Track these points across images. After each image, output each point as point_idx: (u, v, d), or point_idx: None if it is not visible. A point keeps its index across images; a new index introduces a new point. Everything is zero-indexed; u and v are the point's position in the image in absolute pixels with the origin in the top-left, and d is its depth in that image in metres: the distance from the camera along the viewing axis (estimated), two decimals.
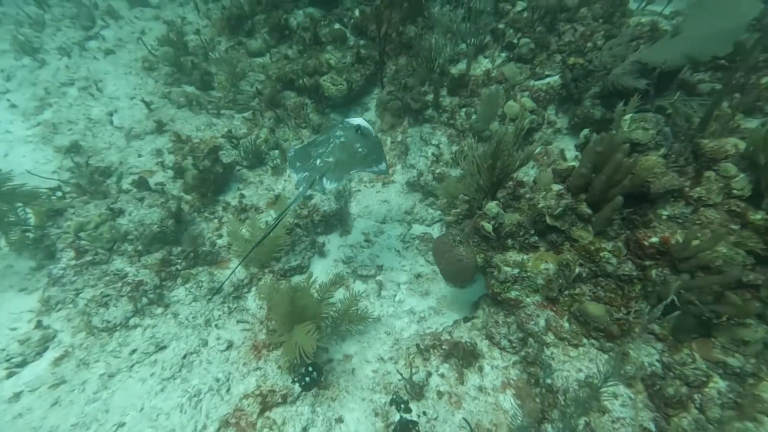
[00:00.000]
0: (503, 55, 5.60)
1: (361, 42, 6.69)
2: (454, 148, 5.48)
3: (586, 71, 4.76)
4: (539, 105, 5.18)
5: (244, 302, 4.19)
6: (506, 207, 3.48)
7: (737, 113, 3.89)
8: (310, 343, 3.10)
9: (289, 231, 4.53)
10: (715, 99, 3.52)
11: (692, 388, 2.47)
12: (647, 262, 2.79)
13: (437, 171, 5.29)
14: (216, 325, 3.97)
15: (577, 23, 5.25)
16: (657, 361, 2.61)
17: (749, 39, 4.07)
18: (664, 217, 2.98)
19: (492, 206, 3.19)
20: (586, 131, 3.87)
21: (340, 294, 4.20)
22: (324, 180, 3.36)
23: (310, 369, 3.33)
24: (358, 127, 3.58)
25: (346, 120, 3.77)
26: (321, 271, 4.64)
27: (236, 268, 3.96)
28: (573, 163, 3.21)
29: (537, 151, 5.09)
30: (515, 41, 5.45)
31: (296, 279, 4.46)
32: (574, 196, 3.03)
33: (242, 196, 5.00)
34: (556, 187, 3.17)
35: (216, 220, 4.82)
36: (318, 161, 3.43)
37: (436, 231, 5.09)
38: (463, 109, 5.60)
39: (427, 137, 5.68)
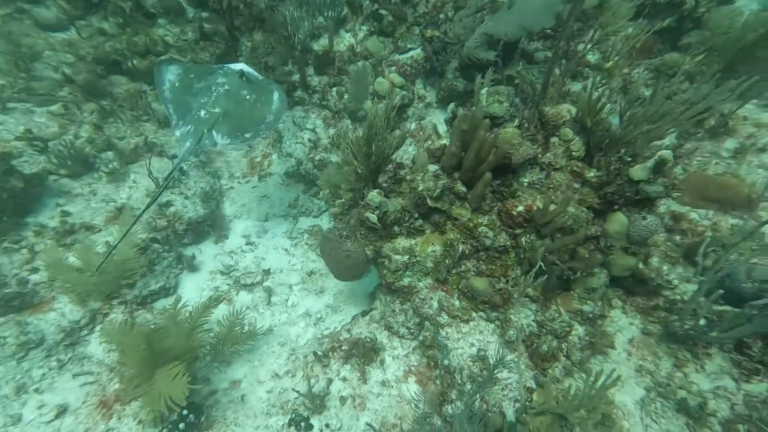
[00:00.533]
0: (364, 28, 5.30)
1: (204, 14, 5.61)
2: (331, 131, 5.09)
3: (443, 44, 4.79)
4: (407, 79, 5.09)
5: (84, 348, 3.21)
6: (389, 192, 3.29)
7: (566, 78, 4.38)
8: (179, 390, 2.48)
9: (143, 249, 3.62)
10: (549, 66, 3.84)
11: (560, 339, 2.73)
12: (517, 231, 2.93)
13: (317, 158, 4.85)
14: (37, 389, 2.96)
15: None
16: (533, 321, 2.81)
17: (565, 10, 4.57)
18: (525, 184, 3.15)
19: (374, 196, 2.95)
20: (452, 106, 3.88)
21: (221, 311, 3.59)
22: (214, 133, 2.96)
23: (185, 413, 2.73)
24: (242, 73, 3.23)
25: (226, 65, 3.31)
26: (194, 288, 3.88)
27: None
28: (445, 141, 3.17)
29: (412, 128, 5.06)
30: (380, 11, 5.19)
31: (161, 304, 3.63)
32: (449, 176, 2.97)
33: (65, 213, 3.77)
34: (432, 168, 3.07)
35: (25, 251, 3.54)
36: (202, 112, 2.99)
37: (324, 221, 4.72)
38: (334, 89, 5.20)
39: (300, 122, 5.14)
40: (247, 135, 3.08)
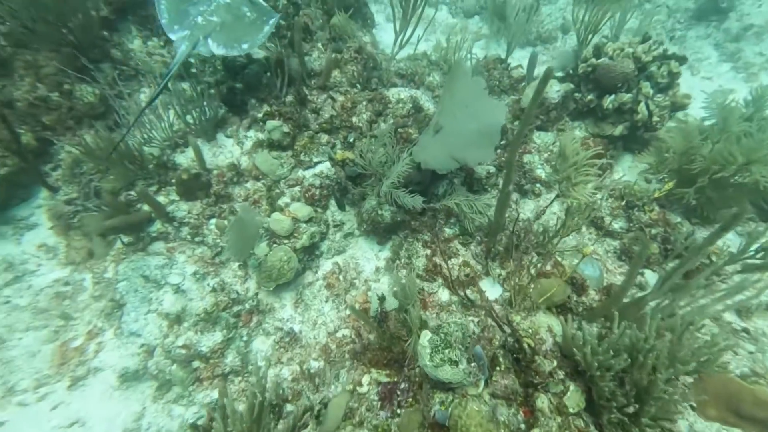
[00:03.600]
0: (252, 135, 3.60)
1: None
2: (210, 282, 3.15)
3: (357, 171, 3.32)
4: (317, 204, 3.48)
5: None
6: None
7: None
8: None
9: None
10: (499, 207, 2.65)
11: None
12: None
13: (179, 343, 2.84)
14: None
15: (333, 91, 3.79)
16: None
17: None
18: None
19: None
20: (375, 307, 2.32)
21: None
22: (209, 41, 2.76)
23: None
24: None
25: None
26: None
27: None
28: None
29: (326, 270, 3.39)
30: (268, 121, 3.53)
31: None
32: None
33: None
34: None
35: None
36: (199, 18, 2.79)
37: None
38: (213, 220, 3.33)
39: (156, 274, 3.10)
40: (244, 46, 2.85)
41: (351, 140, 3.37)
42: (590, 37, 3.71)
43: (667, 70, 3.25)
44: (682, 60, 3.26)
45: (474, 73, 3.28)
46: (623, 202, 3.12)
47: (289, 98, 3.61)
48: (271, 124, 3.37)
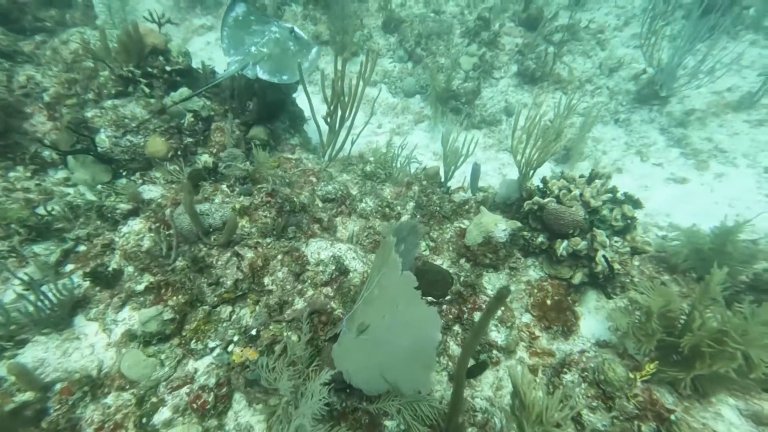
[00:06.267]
0: (126, 316, 2.62)
1: None
2: None
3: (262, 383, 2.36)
4: (210, 415, 2.43)
5: None
6: None
7: None
8: None
9: None
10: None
11: None
12: None
13: None
14: None
15: (240, 245, 2.88)
16: None
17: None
18: None
19: None
20: None
21: None
22: (257, 68, 3.21)
23: None
24: (292, 29, 3.46)
25: (279, 21, 3.58)
26: None
27: None
28: None
29: None
30: (149, 284, 2.61)
31: None
32: None
33: None
34: None
35: None
36: (253, 48, 3.30)
37: None
38: None
39: None
40: (284, 77, 3.23)
41: (254, 332, 2.46)
42: (532, 173, 3.20)
43: (620, 213, 2.73)
44: (636, 204, 2.77)
45: (410, 227, 2.58)
46: (600, 391, 2.38)
47: (180, 263, 2.72)
48: (145, 314, 2.43)
